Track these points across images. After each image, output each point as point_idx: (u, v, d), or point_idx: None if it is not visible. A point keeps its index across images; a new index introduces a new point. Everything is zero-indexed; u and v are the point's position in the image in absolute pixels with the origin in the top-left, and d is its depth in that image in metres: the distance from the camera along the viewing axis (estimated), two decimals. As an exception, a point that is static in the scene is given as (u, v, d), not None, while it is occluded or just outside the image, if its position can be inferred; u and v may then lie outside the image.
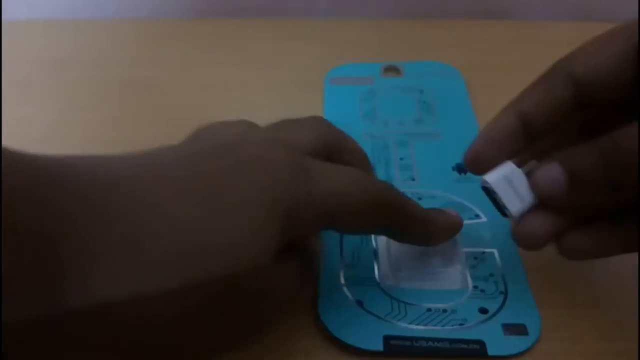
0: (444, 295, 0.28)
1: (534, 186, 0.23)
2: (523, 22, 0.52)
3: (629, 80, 0.22)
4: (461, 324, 0.27)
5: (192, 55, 0.48)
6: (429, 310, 0.27)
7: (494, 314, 0.27)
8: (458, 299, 0.28)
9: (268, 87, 0.44)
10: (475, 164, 0.24)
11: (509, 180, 0.24)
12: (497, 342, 0.26)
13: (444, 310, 0.28)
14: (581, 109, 0.23)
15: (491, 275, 0.29)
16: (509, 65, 0.45)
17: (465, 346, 0.26)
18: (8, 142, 0.38)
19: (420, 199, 0.33)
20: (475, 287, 0.29)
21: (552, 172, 0.22)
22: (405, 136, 0.38)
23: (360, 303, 0.28)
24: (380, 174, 0.35)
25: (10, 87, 0.44)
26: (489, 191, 0.24)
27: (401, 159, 0.36)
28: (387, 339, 0.26)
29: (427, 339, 0.26)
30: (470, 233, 0.31)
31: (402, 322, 0.27)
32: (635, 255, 0.30)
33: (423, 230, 0.26)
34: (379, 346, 0.26)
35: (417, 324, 0.27)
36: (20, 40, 0.50)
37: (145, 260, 0.17)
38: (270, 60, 0.48)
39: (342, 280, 0.29)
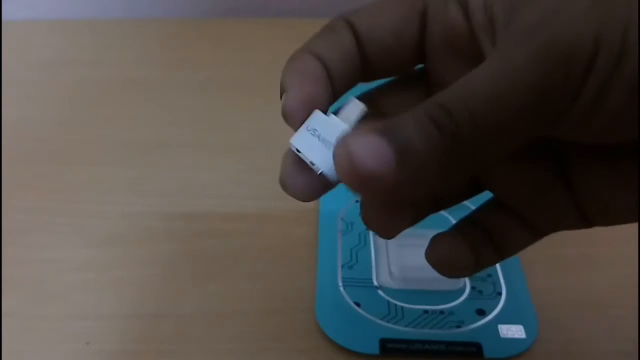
0: (441, 296, 0.28)
1: (352, 161, 0.16)
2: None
3: (413, 44, 0.20)
4: (458, 326, 0.27)
5: (192, 55, 0.48)
6: (425, 312, 0.27)
7: (491, 316, 0.27)
8: (455, 300, 0.28)
9: (268, 87, 0.44)
10: (299, 107, 0.19)
11: (314, 131, 0.19)
12: (493, 344, 0.26)
13: (441, 312, 0.27)
14: (370, 71, 0.20)
15: (489, 276, 0.29)
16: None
17: (461, 348, 0.26)
18: (8, 142, 0.38)
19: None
20: (472, 288, 0.29)
21: (375, 146, 0.16)
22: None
23: (357, 305, 0.28)
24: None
25: (10, 87, 0.44)
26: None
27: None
28: (383, 342, 0.26)
29: (424, 342, 0.26)
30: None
31: (398, 324, 0.27)
32: (635, 255, 0.30)
33: None
34: (375, 349, 0.26)
35: (414, 327, 0.27)
36: (20, 40, 0.50)
37: None
38: (270, 60, 0.48)
39: (340, 282, 0.29)
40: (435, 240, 0.21)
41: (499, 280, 0.29)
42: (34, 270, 0.30)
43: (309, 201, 0.20)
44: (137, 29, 0.52)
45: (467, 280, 0.29)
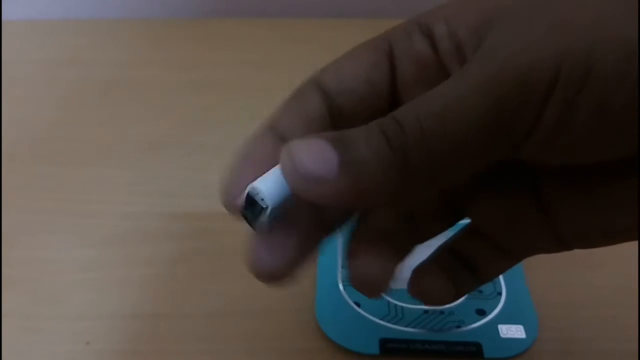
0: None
1: (294, 162, 0.16)
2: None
3: (386, 87, 0.19)
4: (458, 326, 0.27)
5: (192, 55, 0.48)
6: (425, 312, 0.27)
7: (491, 316, 0.27)
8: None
9: (268, 87, 0.44)
10: (232, 205, 0.19)
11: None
12: (494, 344, 0.26)
13: (441, 312, 0.27)
14: (339, 122, 0.19)
15: (491, 282, 0.29)
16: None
17: (461, 348, 0.26)
18: (8, 142, 0.38)
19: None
20: (473, 288, 0.29)
21: (319, 149, 0.16)
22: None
23: (357, 305, 0.28)
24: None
25: (10, 87, 0.44)
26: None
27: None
28: (383, 342, 0.26)
29: (424, 342, 0.26)
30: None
31: (398, 324, 0.27)
32: (635, 255, 0.30)
33: None
34: (375, 349, 0.26)
35: (414, 327, 0.27)
36: (20, 40, 0.50)
37: None
38: (270, 60, 0.48)
39: (340, 282, 0.29)
40: (416, 274, 0.21)
41: (499, 280, 0.29)
42: (34, 270, 0.30)
43: (282, 278, 0.19)
44: (137, 29, 0.52)
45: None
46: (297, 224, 0.19)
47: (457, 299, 0.21)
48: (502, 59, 0.15)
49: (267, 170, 0.18)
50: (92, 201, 0.35)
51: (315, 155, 0.16)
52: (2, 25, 0.50)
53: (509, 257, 0.20)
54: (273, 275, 0.19)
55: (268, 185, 0.17)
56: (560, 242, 0.19)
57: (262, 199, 0.17)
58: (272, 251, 0.19)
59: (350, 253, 0.20)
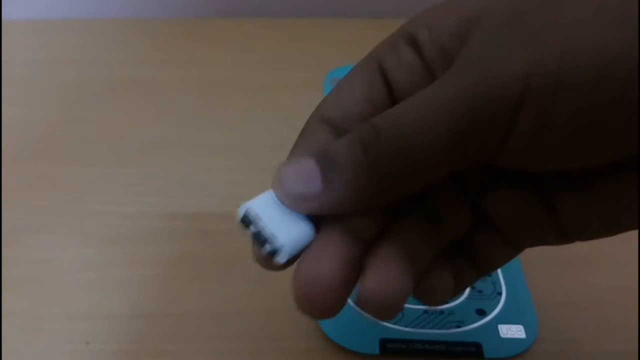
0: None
1: (282, 186, 0.18)
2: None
3: (386, 103, 0.20)
4: (458, 326, 0.27)
5: (192, 55, 0.48)
6: (425, 312, 0.27)
7: (491, 316, 0.27)
8: (455, 300, 0.28)
9: (268, 87, 0.44)
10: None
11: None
12: (493, 344, 0.26)
13: (441, 312, 0.27)
14: None
15: (489, 275, 0.29)
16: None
17: (461, 348, 0.26)
18: (8, 142, 0.38)
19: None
20: (472, 288, 0.29)
21: (303, 168, 0.17)
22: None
23: (357, 304, 0.28)
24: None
25: (10, 87, 0.44)
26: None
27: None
28: (383, 342, 0.26)
29: (424, 342, 0.26)
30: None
31: (398, 324, 0.27)
32: (635, 255, 0.30)
33: None
34: (375, 349, 0.26)
35: (414, 327, 0.27)
36: (20, 40, 0.50)
37: None
38: (270, 60, 0.48)
39: (340, 282, 0.29)
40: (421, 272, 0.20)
41: (499, 280, 0.29)
42: (34, 270, 0.30)
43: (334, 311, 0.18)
44: (137, 29, 0.52)
45: (467, 280, 0.29)
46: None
47: (456, 294, 0.21)
48: (474, 72, 0.16)
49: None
50: (92, 201, 0.35)
51: (300, 174, 0.17)
52: (2, 25, 0.50)
53: (514, 247, 0.21)
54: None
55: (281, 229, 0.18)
56: (561, 235, 0.19)
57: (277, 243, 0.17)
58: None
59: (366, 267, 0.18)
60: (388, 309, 0.18)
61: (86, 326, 0.28)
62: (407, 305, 0.28)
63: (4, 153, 0.37)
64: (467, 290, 0.29)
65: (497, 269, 0.22)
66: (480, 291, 0.29)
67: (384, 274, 0.18)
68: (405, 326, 0.27)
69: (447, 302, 0.25)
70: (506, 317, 0.27)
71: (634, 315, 0.28)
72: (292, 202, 0.18)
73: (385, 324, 0.27)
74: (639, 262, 0.29)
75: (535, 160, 0.17)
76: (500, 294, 0.28)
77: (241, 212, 0.18)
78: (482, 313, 0.27)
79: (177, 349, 0.27)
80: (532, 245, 0.21)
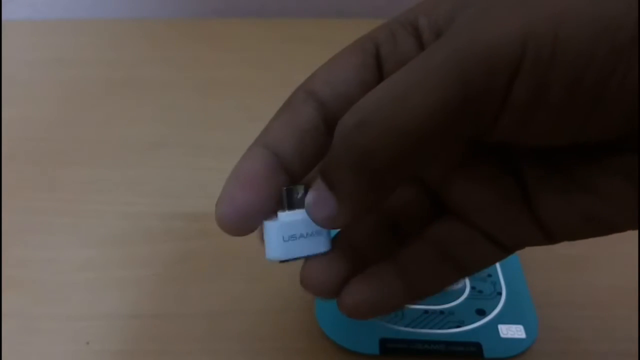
0: (441, 296, 0.28)
1: (311, 216, 0.19)
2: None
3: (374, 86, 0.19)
4: (458, 326, 0.27)
5: (192, 55, 0.48)
6: (425, 312, 0.27)
7: (491, 316, 0.27)
8: (455, 300, 0.28)
9: (268, 87, 0.44)
10: (234, 217, 0.19)
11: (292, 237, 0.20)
12: (493, 344, 0.26)
13: (441, 312, 0.27)
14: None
15: (489, 276, 0.29)
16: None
17: (461, 349, 0.26)
18: (8, 142, 0.38)
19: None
20: (472, 288, 0.29)
21: (320, 197, 0.18)
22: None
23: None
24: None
25: (10, 87, 0.44)
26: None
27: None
28: (383, 342, 0.26)
29: (424, 342, 0.26)
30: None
31: (398, 324, 0.27)
32: (635, 255, 0.30)
33: None
34: (375, 349, 0.26)
35: (414, 327, 0.27)
36: (20, 40, 0.50)
37: None
38: (271, 60, 0.48)
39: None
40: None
41: (499, 280, 0.29)
42: (34, 270, 0.30)
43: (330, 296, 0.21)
44: (137, 29, 0.52)
45: (467, 280, 0.29)
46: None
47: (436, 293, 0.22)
48: (466, 37, 0.15)
49: (258, 188, 0.19)
50: (92, 201, 0.35)
51: (318, 204, 0.18)
52: (2, 25, 0.50)
53: (496, 249, 0.20)
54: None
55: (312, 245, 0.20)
56: (544, 232, 0.19)
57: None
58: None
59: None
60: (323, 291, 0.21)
61: (86, 326, 0.28)
62: (407, 305, 0.28)
63: (4, 153, 0.37)
64: (467, 290, 0.28)
65: (482, 269, 0.21)
66: (480, 291, 0.29)
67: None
68: (405, 326, 0.27)
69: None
70: (506, 317, 0.27)
71: (634, 315, 0.28)
72: (322, 224, 0.19)
73: (386, 323, 0.27)
74: (639, 262, 0.29)
75: (529, 134, 0.16)
76: (500, 294, 0.28)
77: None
78: (482, 313, 0.27)
79: (176, 349, 0.27)
80: (517, 246, 0.20)
